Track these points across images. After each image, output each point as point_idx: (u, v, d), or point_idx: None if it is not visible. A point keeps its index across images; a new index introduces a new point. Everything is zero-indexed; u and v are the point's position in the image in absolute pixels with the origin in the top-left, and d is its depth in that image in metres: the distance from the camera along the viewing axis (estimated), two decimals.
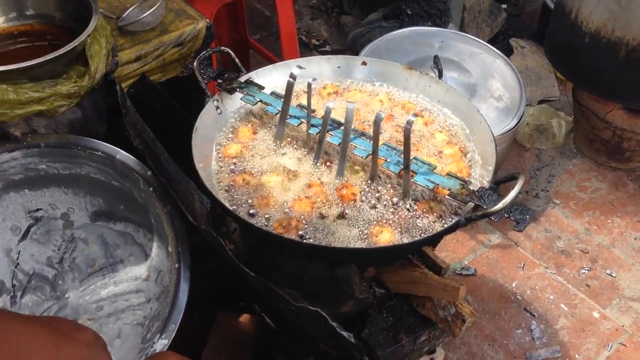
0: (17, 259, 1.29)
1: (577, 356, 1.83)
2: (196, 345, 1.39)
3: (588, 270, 2.07)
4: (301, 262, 1.27)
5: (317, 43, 3.11)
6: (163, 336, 1.11)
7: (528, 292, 2.00)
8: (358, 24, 2.91)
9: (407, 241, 1.17)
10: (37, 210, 1.30)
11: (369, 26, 2.74)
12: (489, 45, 2.21)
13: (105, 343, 0.83)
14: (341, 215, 1.21)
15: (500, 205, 1.10)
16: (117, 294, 1.27)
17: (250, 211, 1.21)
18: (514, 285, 2.02)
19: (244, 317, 1.50)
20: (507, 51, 2.85)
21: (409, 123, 1.18)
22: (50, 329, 0.76)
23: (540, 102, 2.70)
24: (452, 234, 1.73)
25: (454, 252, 2.11)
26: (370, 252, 1.16)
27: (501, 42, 3.03)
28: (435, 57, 2.05)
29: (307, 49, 3.05)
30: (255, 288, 1.19)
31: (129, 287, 1.28)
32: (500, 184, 1.29)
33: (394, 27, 2.55)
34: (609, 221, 2.24)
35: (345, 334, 0.97)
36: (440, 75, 1.99)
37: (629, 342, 1.87)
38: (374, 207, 1.23)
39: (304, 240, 1.15)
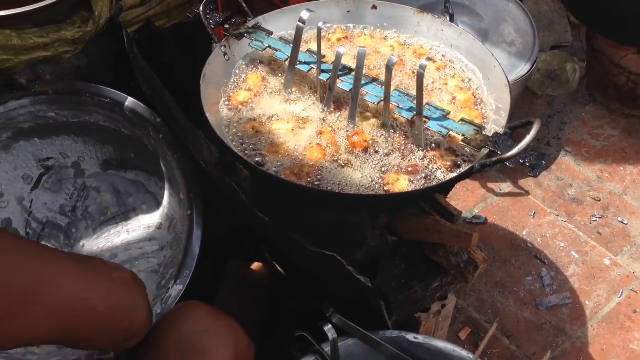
0: (30, 207, 1.29)
1: (587, 302, 1.84)
2: (208, 295, 1.40)
3: (599, 218, 2.06)
4: (313, 210, 1.26)
5: None
6: (178, 282, 1.11)
7: (539, 240, 1.99)
8: None
9: (420, 188, 1.16)
10: (48, 159, 1.30)
11: None
12: None
13: (144, 286, 0.82)
14: (353, 162, 1.20)
15: (516, 150, 1.08)
16: (130, 242, 1.27)
17: (261, 159, 1.20)
18: (524, 233, 2.01)
19: (255, 265, 1.50)
20: None
21: (422, 67, 1.15)
22: (83, 265, 0.75)
23: (553, 47, 2.64)
24: (463, 182, 1.72)
25: (465, 200, 2.10)
26: (383, 199, 1.15)
27: None
28: (447, 1, 2.00)
29: None
30: (268, 235, 1.19)
31: (142, 235, 1.28)
32: (515, 129, 1.27)
33: None
34: (621, 169, 2.22)
35: (362, 278, 0.97)
36: (451, 20, 1.94)
37: None
38: (386, 154, 1.22)
39: (317, 187, 1.14)
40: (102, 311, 0.74)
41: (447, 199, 1.33)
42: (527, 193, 2.13)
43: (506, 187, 2.15)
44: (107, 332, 0.77)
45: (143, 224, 1.29)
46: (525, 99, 2.44)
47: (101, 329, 0.75)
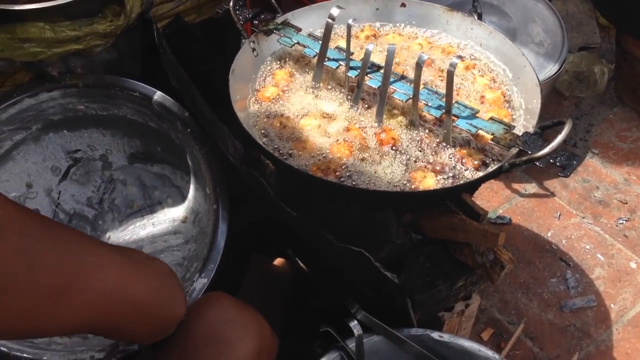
0: (58, 199, 1.30)
1: (612, 306, 1.82)
2: (231, 289, 1.40)
3: (626, 220, 2.03)
4: (339, 206, 1.26)
5: None
6: (202, 275, 1.12)
7: (564, 241, 1.97)
8: None
9: (447, 186, 1.15)
10: (76, 151, 1.31)
11: None
12: None
13: (178, 278, 0.82)
14: (380, 160, 1.19)
15: (547, 150, 1.07)
16: (155, 234, 1.28)
17: (288, 153, 1.20)
18: (549, 234, 1.99)
19: (278, 261, 1.50)
20: None
21: (452, 65, 1.14)
22: (121, 254, 0.75)
23: (581, 49, 2.61)
24: (487, 183, 1.71)
25: (489, 201, 2.08)
26: (410, 196, 1.15)
27: None
28: (475, 0, 1.98)
29: None
30: (294, 230, 1.19)
31: (167, 229, 1.28)
32: (545, 129, 1.26)
33: None
34: None
35: (389, 274, 0.96)
36: (479, 19, 1.93)
37: None
38: (414, 151, 1.21)
39: (344, 183, 1.14)
40: (142, 301, 0.74)
41: (473, 199, 1.33)
42: (553, 194, 2.11)
43: (531, 188, 2.13)
44: (147, 322, 0.77)
45: (168, 217, 1.30)
46: (552, 100, 2.41)
47: (142, 319, 0.75)
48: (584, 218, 2.04)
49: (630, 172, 2.19)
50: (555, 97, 2.44)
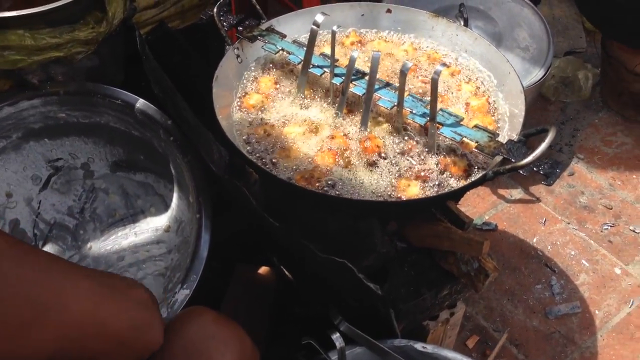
0: (38, 208, 1.28)
1: (597, 312, 1.82)
2: (215, 298, 1.39)
3: (611, 226, 2.04)
4: (323, 215, 1.25)
5: None
6: (184, 286, 1.10)
7: (549, 247, 1.98)
8: None
9: (432, 195, 1.15)
10: (58, 159, 1.29)
11: None
12: None
13: (158, 304, 0.81)
14: (365, 168, 1.19)
15: (530, 158, 1.07)
16: (138, 244, 1.27)
17: (272, 162, 1.19)
18: (534, 240, 2.00)
19: (263, 270, 1.49)
20: None
21: (437, 73, 1.14)
22: (99, 281, 0.73)
23: (567, 53, 2.62)
24: (474, 188, 1.71)
25: (475, 207, 2.08)
26: (395, 205, 1.14)
27: None
28: (461, 5, 1.97)
29: None
30: (277, 240, 1.18)
31: (149, 238, 1.27)
32: (529, 137, 1.26)
33: None
34: (634, 176, 2.20)
35: (372, 285, 0.96)
36: (465, 25, 1.92)
37: None
38: (398, 159, 1.20)
39: (327, 193, 1.13)
40: (117, 330, 0.73)
41: (458, 205, 1.32)
42: (538, 200, 2.11)
43: (517, 193, 2.13)
44: (122, 352, 0.75)
45: (151, 227, 1.29)
46: (538, 105, 2.41)
47: (116, 348, 0.74)
48: (569, 224, 2.05)
49: (615, 177, 2.20)
50: (541, 102, 2.44)
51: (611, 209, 2.10)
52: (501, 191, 2.13)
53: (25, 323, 0.64)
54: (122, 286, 0.76)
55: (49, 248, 1.27)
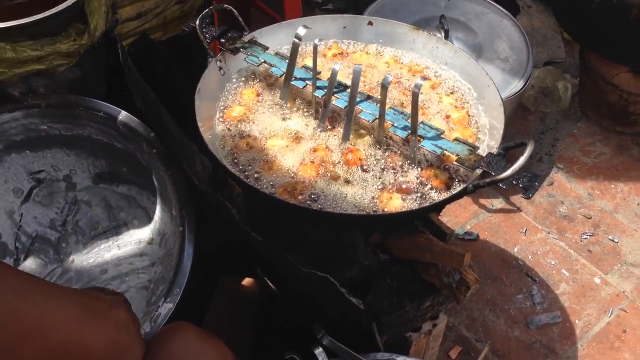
0: (20, 221, 1.27)
1: (577, 322, 1.84)
2: (199, 309, 1.39)
3: (590, 235, 2.07)
4: (306, 228, 1.26)
5: (320, 1, 3.04)
6: (168, 300, 1.10)
7: (530, 257, 2.00)
8: None
9: (414, 207, 1.16)
10: (39, 172, 1.28)
11: None
12: (495, 4, 2.16)
13: (139, 325, 0.81)
14: (347, 181, 1.20)
15: (509, 172, 1.08)
16: (121, 257, 1.26)
17: (255, 176, 1.19)
18: (515, 250, 2.02)
19: (247, 281, 1.49)
20: (514, 10, 2.78)
21: (417, 87, 1.15)
22: (77, 303, 0.73)
23: (546, 63, 2.65)
24: None
25: (457, 216, 2.10)
26: (377, 218, 1.15)
27: (507, 0, 2.96)
28: (442, 16, 2.01)
29: (309, 7, 2.98)
30: (260, 253, 1.18)
31: (133, 251, 1.26)
32: (508, 150, 1.28)
33: None
34: (612, 186, 2.23)
35: (354, 300, 0.96)
36: (446, 36, 1.95)
37: (630, 308, 1.88)
38: (380, 172, 1.21)
39: (310, 206, 1.13)
40: (97, 353, 0.73)
41: (439, 215, 1.33)
42: (519, 209, 2.14)
43: (498, 203, 2.16)
44: None
45: (134, 239, 1.28)
46: (518, 114, 2.45)
47: None
48: (549, 233, 2.07)
49: (594, 187, 2.23)
50: (521, 112, 2.47)
51: (590, 218, 2.13)
52: (482, 201, 2.15)
53: (5, 348, 0.64)
54: (102, 308, 0.76)
55: (31, 261, 1.26)
